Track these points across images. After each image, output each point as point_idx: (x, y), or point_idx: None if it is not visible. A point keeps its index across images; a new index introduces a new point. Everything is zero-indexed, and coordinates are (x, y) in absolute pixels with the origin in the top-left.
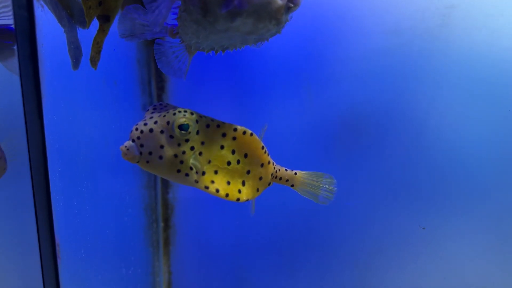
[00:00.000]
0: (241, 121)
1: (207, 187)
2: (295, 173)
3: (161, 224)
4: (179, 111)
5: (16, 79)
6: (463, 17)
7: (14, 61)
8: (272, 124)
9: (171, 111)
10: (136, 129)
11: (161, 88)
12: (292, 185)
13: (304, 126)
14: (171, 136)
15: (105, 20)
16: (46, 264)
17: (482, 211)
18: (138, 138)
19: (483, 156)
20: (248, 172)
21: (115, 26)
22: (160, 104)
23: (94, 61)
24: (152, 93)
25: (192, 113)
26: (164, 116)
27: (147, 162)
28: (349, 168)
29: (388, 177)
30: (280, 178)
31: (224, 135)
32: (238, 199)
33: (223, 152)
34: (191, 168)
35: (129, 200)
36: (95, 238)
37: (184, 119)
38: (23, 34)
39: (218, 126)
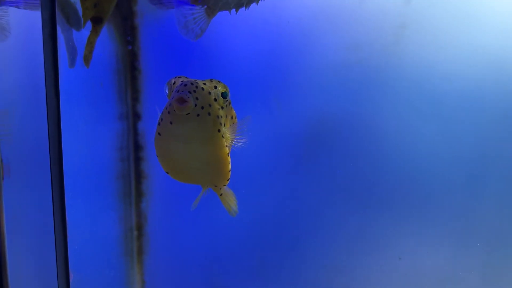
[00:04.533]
0: None
1: (228, 155)
2: None
3: (135, 233)
4: (218, 81)
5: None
6: (413, 36)
7: None
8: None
9: (210, 80)
10: (192, 83)
11: (135, 99)
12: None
13: (273, 136)
14: (215, 99)
15: (98, 21)
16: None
17: (438, 214)
18: (194, 91)
19: (435, 164)
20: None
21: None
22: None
23: (87, 59)
24: (128, 102)
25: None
26: (210, 81)
27: (198, 115)
28: (316, 176)
29: (351, 184)
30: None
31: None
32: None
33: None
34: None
35: (103, 207)
36: (79, 238)
37: (225, 88)
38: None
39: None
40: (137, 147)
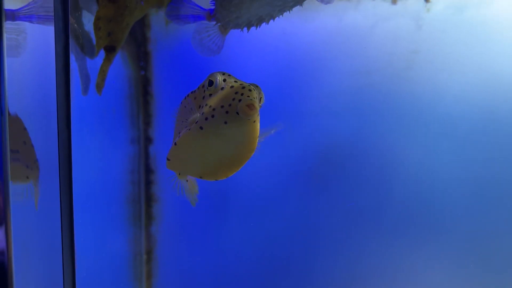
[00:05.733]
0: None
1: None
2: None
3: (144, 257)
4: (256, 86)
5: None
6: (425, 61)
7: None
8: (251, 159)
9: (254, 84)
10: (256, 90)
11: (147, 123)
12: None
13: (283, 159)
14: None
15: (111, 50)
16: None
17: (448, 241)
18: (258, 98)
19: (447, 189)
20: None
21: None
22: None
23: (99, 87)
24: (140, 127)
25: None
26: (255, 86)
27: (254, 122)
28: (327, 200)
29: (362, 209)
30: None
31: None
32: None
33: None
34: None
35: (112, 231)
36: (90, 261)
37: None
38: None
39: None
40: (148, 171)
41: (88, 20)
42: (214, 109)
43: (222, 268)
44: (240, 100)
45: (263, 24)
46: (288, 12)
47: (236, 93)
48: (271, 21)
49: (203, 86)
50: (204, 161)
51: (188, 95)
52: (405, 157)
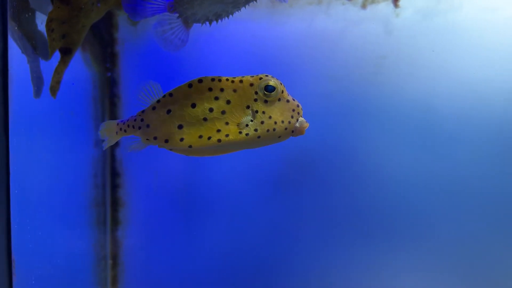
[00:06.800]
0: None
1: None
2: None
3: (110, 262)
4: None
5: None
6: (393, 66)
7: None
8: (220, 163)
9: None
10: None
11: None
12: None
13: (253, 166)
14: None
15: (67, 52)
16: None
17: (424, 246)
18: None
19: (417, 192)
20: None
21: (74, 61)
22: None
23: (53, 90)
24: None
25: None
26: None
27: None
28: (296, 205)
29: (333, 214)
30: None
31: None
32: None
33: None
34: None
35: (79, 235)
36: (48, 265)
37: None
38: None
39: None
40: (115, 174)
41: (41, 21)
42: (275, 123)
43: (190, 273)
44: (297, 120)
45: (233, 27)
46: (243, 8)
47: (293, 110)
48: (242, 23)
49: (251, 85)
50: (216, 152)
51: (215, 79)
52: (374, 161)
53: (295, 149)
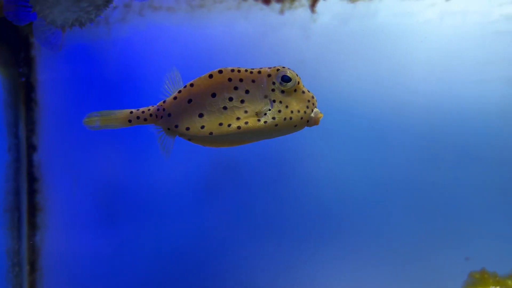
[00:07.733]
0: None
1: None
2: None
3: (27, 267)
4: None
5: None
6: (312, 71)
7: None
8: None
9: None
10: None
11: (31, 130)
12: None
13: (178, 167)
14: None
15: None
16: None
17: (349, 243)
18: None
19: (344, 192)
20: None
21: None
22: None
23: None
24: (19, 135)
25: None
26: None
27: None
28: (222, 207)
29: (260, 216)
30: None
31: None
32: None
33: None
34: None
35: None
36: None
37: None
38: None
39: None
40: (32, 179)
41: None
42: (292, 112)
43: (112, 278)
44: (312, 110)
45: (153, 30)
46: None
47: (308, 101)
48: (162, 27)
49: (268, 76)
50: (233, 143)
51: (234, 70)
52: (300, 162)
53: (220, 152)
